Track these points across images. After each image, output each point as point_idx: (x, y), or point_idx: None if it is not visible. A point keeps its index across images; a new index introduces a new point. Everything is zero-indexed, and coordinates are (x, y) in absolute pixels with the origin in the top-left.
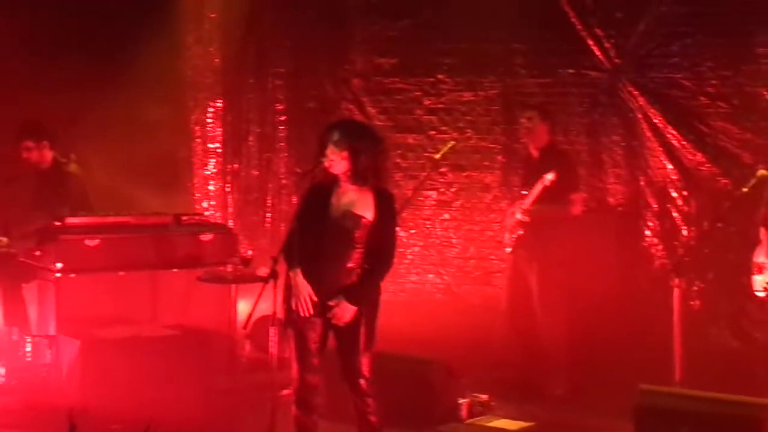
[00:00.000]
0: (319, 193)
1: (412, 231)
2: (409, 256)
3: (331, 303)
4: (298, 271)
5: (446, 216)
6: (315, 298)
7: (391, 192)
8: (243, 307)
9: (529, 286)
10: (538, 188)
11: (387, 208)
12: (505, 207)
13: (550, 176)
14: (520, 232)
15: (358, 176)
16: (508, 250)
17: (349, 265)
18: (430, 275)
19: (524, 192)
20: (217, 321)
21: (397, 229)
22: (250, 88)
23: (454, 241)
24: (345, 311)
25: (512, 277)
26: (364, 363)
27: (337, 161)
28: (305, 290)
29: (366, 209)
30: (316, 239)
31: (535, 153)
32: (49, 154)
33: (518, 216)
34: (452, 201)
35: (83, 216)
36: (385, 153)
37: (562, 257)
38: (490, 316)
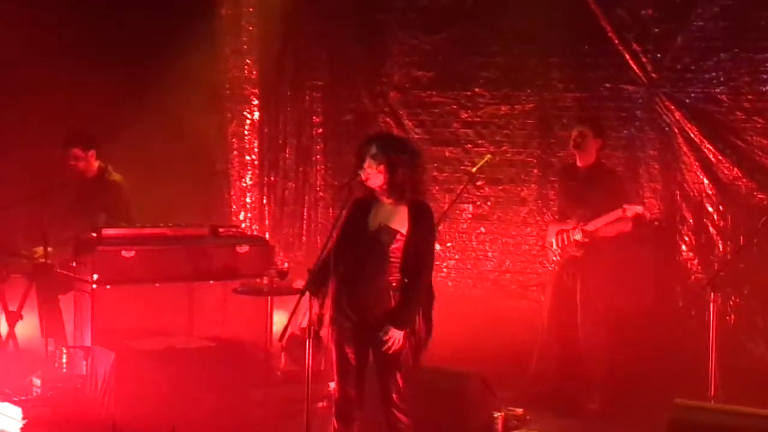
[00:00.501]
0: (359, 208)
1: (449, 244)
2: (445, 269)
3: (380, 333)
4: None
5: (482, 229)
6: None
7: (429, 205)
8: (279, 320)
9: (574, 301)
10: (614, 215)
11: (424, 222)
12: (542, 221)
13: (638, 209)
14: (577, 254)
15: (395, 190)
16: (551, 267)
17: (386, 278)
18: (466, 288)
19: (570, 204)
20: (253, 333)
21: (435, 242)
22: (288, 101)
23: (490, 254)
24: (395, 338)
25: (557, 293)
26: (399, 378)
27: (374, 174)
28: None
29: (402, 223)
30: (353, 253)
31: (582, 166)
32: (95, 163)
33: (577, 237)
34: (488, 214)
35: (120, 227)
36: (422, 166)
37: (603, 272)
38: (526, 330)
